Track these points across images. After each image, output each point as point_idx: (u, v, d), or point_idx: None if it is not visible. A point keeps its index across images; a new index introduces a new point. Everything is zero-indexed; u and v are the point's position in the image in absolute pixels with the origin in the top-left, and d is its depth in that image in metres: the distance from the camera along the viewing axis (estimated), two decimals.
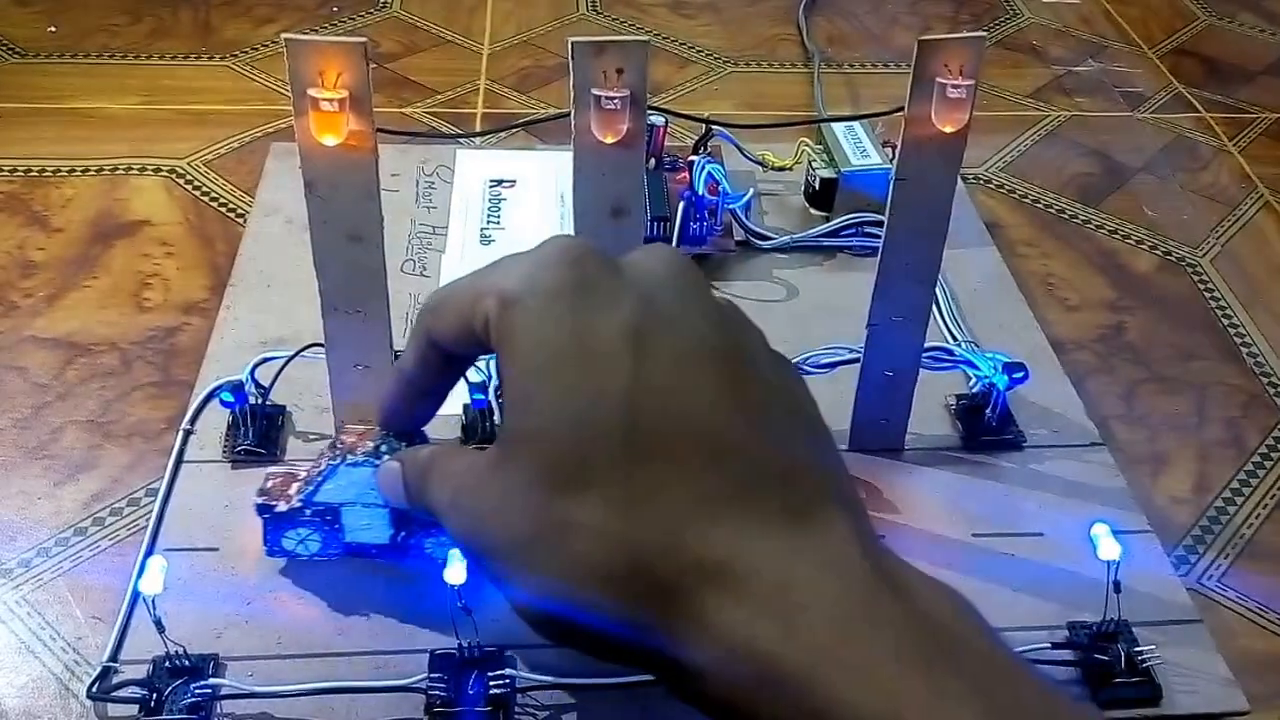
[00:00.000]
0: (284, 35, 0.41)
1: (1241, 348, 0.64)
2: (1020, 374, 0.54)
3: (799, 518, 0.33)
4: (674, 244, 0.64)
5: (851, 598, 0.32)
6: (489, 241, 0.68)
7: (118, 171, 0.73)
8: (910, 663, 0.30)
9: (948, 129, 0.45)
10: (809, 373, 0.53)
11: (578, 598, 0.34)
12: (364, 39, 0.41)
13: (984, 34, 0.44)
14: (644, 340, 0.34)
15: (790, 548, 0.33)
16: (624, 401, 0.34)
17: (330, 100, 0.42)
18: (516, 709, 0.43)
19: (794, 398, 0.37)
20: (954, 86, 0.43)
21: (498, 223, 0.69)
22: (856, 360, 0.53)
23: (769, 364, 0.37)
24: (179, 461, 0.52)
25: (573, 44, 0.43)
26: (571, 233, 0.48)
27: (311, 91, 0.42)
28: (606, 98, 0.43)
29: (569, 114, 0.44)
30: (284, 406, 0.55)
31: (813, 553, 0.33)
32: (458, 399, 0.54)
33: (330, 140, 0.43)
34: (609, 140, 0.44)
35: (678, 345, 0.35)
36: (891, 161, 0.68)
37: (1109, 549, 0.45)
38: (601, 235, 0.47)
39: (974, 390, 0.57)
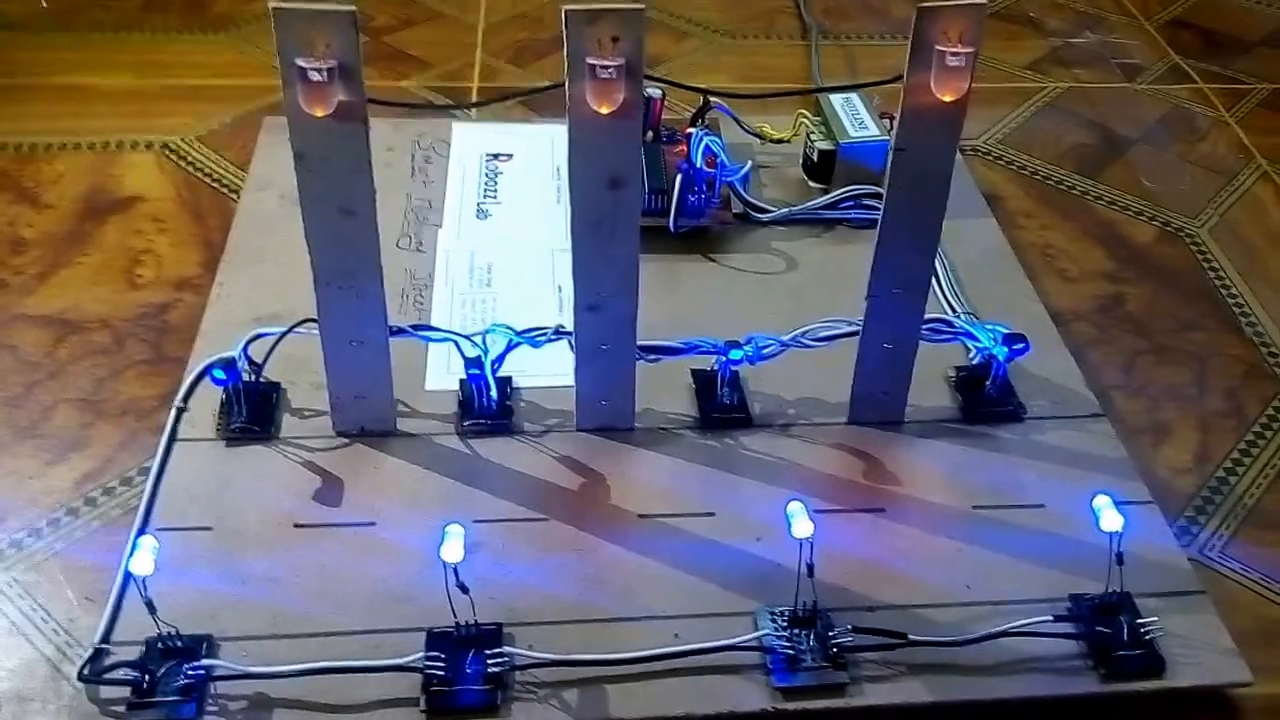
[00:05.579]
0: (271, 4, 0.41)
1: (1241, 317, 0.64)
2: (1020, 345, 0.53)
3: None
4: (672, 216, 0.64)
5: None
6: (485, 215, 0.67)
7: (109, 147, 0.72)
8: None
9: (947, 98, 0.44)
10: (808, 346, 0.53)
11: None
12: (353, 7, 0.41)
13: (984, 1, 0.43)
14: None
15: None
16: None
17: (319, 70, 0.41)
18: (515, 687, 0.43)
19: None
20: (953, 54, 0.43)
21: (494, 197, 0.68)
22: (856, 333, 0.52)
23: None
24: (172, 440, 0.52)
25: (566, 12, 0.42)
26: (569, 204, 0.47)
27: (300, 61, 0.41)
28: (601, 66, 0.42)
29: (564, 85, 0.44)
30: (278, 383, 0.54)
31: None
32: (454, 374, 0.54)
33: (319, 111, 0.42)
34: (604, 110, 0.43)
35: None
36: (890, 133, 0.68)
37: (1111, 520, 0.44)
38: (599, 207, 0.47)
39: (973, 362, 0.56)
